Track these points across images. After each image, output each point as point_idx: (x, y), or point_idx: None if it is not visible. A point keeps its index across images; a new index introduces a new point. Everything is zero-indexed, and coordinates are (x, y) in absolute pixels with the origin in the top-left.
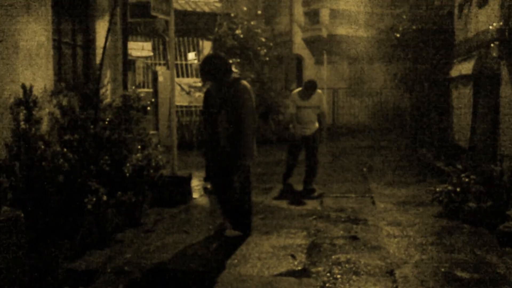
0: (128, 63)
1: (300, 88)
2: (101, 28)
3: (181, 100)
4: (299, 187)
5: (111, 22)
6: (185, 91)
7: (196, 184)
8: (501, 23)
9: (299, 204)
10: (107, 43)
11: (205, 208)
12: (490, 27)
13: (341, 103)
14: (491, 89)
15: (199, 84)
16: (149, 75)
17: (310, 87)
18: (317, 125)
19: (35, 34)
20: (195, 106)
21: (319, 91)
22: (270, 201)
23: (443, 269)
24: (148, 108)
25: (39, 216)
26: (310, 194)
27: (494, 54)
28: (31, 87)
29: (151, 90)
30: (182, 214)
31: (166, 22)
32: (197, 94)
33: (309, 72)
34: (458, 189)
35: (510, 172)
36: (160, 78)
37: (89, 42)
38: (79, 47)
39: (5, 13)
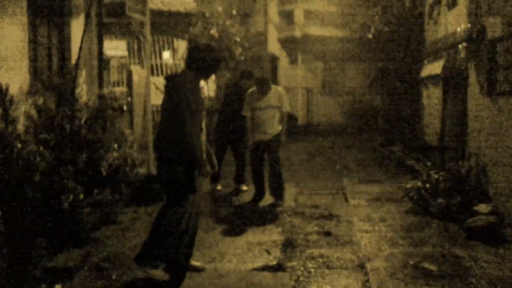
0: (104, 62)
1: (254, 87)
2: (77, 28)
3: (156, 99)
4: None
5: (87, 22)
6: (160, 90)
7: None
8: (468, 25)
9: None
10: (83, 43)
11: None
12: (458, 28)
13: (315, 102)
14: (460, 89)
15: None
16: (123, 75)
17: (262, 84)
18: (278, 128)
19: (11, 33)
20: None
21: (278, 88)
22: (245, 199)
23: (412, 262)
24: (125, 107)
25: (15, 215)
26: (277, 210)
27: (462, 55)
28: (8, 86)
29: (125, 89)
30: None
31: (142, 22)
32: None
33: (284, 71)
34: (427, 186)
35: (477, 169)
36: (135, 78)
37: (65, 42)
38: (55, 47)
39: None
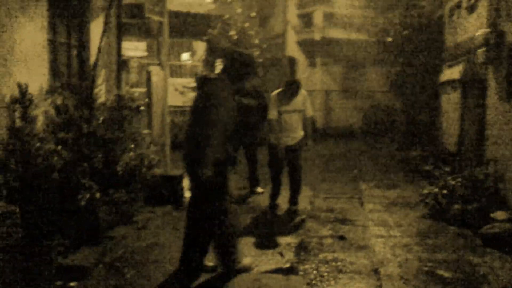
0: (122, 63)
1: (280, 89)
2: (96, 28)
3: (174, 100)
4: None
5: (106, 23)
6: (178, 91)
7: (189, 183)
8: (487, 30)
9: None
10: (102, 43)
11: None
12: (477, 33)
13: (333, 105)
14: (478, 94)
15: (193, 85)
16: (143, 75)
17: (293, 88)
18: (302, 132)
19: (31, 34)
20: (189, 106)
21: (303, 92)
22: (262, 200)
23: (426, 268)
24: (141, 108)
25: (33, 212)
26: (293, 216)
27: (481, 60)
28: (27, 86)
29: (145, 89)
30: (174, 212)
31: (160, 23)
32: (191, 94)
33: (303, 74)
34: (444, 192)
35: (494, 175)
36: (154, 78)
37: (84, 42)
38: (74, 47)
39: (1, 13)
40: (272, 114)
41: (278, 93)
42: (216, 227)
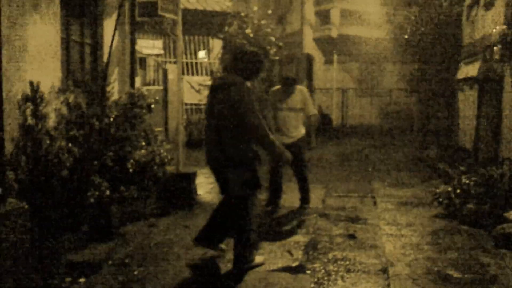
0: (139, 61)
1: (279, 86)
2: (109, 26)
3: (190, 98)
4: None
5: (118, 21)
6: (194, 89)
7: (202, 181)
8: (504, 27)
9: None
10: (115, 42)
11: (209, 204)
12: (494, 30)
13: (350, 103)
14: (495, 92)
15: (209, 83)
16: (159, 73)
17: (287, 84)
18: (302, 131)
19: (44, 32)
20: (205, 104)
21: (302, 88)
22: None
23: (436, 268)
24: (153, 106)
25: (43, 209)
26: (304, 214)
27: (497, 57)
28: (39, 83)
29: (161, 87)
30: (185, 210)
31: (174, 21)
32: (207, 92)
33: (319, 72)
34: (458, 191)
35: (510, 175)
36: (170, 76)
37: (97, 40)
38: (87, 45)
39: (14, 11)
40: (267, 111)
41: (276, 90)
42: (242, 221)
